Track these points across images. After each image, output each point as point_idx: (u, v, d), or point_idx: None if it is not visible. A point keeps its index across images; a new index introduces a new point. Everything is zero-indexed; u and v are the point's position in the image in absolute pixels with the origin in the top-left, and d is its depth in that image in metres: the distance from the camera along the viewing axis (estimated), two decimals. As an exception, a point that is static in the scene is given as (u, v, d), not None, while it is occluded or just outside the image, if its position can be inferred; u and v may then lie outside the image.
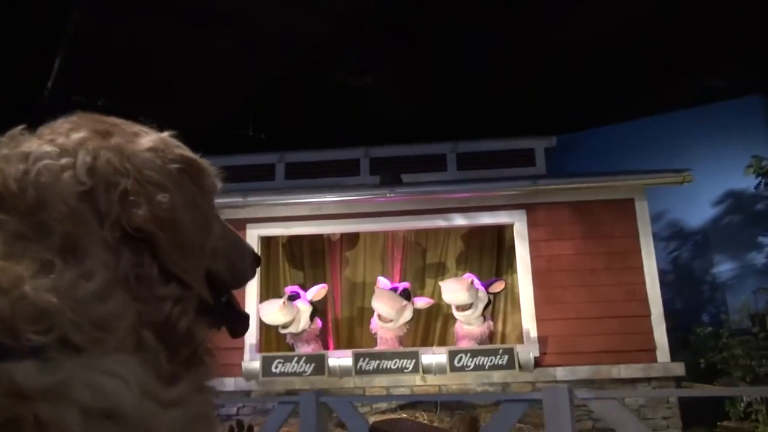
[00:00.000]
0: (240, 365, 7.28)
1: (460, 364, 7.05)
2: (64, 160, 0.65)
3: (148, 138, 0.73)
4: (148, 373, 0.59)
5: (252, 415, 7.25)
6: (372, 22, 7.66)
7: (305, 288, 8.46)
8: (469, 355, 7.07)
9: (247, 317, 0.84)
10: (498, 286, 7.87)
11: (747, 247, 8.49)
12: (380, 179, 8.22)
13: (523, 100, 10.08)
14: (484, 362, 7.04)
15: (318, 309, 8.40)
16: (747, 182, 8.57)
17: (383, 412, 7.05)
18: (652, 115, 9.77)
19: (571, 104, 10.03)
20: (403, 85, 9.43)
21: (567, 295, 7.61)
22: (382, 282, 7.93)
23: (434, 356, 7.21)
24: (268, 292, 8.53)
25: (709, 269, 9.05)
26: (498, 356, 7.04)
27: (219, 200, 0.84)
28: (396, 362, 7.13)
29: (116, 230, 0.63)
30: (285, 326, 7.75)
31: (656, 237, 9.46)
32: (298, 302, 7.93)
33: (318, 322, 8.23)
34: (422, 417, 6.39)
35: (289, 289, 8.28)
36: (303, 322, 7.84)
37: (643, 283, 7.56)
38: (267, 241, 8.87)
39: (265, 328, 8.05)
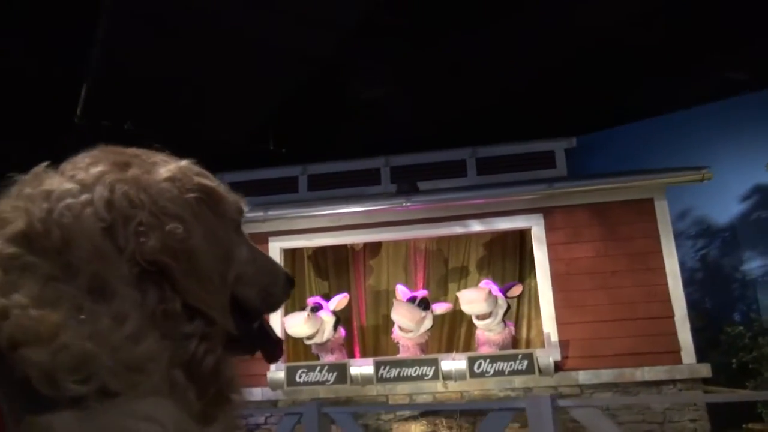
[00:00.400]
0: (266, 375, 7.49)
1: (480, 370, 7.09)
2: (84, 197, 0.65)
3: (166, 168, 0.72)
4: (183, 415, 0.59)
5: (279, 425, 7.45)
6: (382, 34, 7.79)
7: (329, 298, 8.64)
8: (488, 361, 7.11)
9: (280, 342, 0.84)
10: (516, 291, 7.88)
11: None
12: (397, 188, 8.34)
13: (542, 102, 10.04)
14: (504, 368, 7.07)
15: (341, 318, 8.58)
16: (775, 176, 8.36)
17: (407, 419, 7.16)
18: (674, 111, 9.60)
19: (590, 104, 9.95)
20: (418, 94, 9.53)
21: (588, 298, 7.57)
22: (401, 291, 8.04)
23: (454, 363, 7.28)
24: (294, 303, 8.73)
25: (738, 266, 8.84)
26: (517, 361, 7.06)
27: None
28: (416, 369, 7.22)
29: (135, 265, 0.63)
30: (310, 338, 7.93)
31: (683, 235, 9.33)
32: (321, 313, 8.10)
33: (341, 331, 8.40)
34: (441, 424, 6.47)
35: (311, 300, 8.46)
36: (327, 332, 8.02)
37: (666, 283, 7.46)
38: (291, 253, 9.10)
39: (291, 338, 8.26)
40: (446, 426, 6.46)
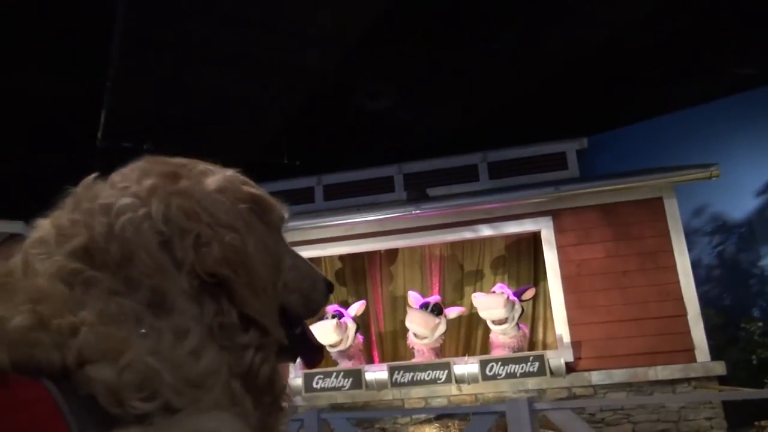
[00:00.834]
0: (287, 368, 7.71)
1: (492, 372, 7.20)
2: (142, 211, 0.65)
3: (215, 178, 0.73)
4: (244, 427, 0.59)
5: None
6: (388, 45, 7.97)
7: (347, 305, 8.84)
8: (500, 363, 7.21)
9: (321, 348, 0.84)
10: (529, 294, 7.96)
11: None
12: (407, 196, 8.50)
13: (552, 104, 10.09)
14: (516, 370, 7.16)
15: (360, 324, 8.78)
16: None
17: (422, 422, 7.30)
18: (686, 108, 9.55)
19: (600, 103, 9.96)
20: (427, 102, 9.68)
21: (599, 299, 7.61)
22: (414, 297, 8.19)
23: (467, 366, 7.40)
24: (313, 310, 8.95)
25: (756, 262, 8.75)
26: (529, 363, 7.14)
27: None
28: (429, 373, 7.36)
29: (194, 278, 0.63)
30: (335, 345, 8.12)
31: (699, 232, 9.27)
32: (344, 320, 8.31)
33: (359, 337, 8.59)
34: (454, 426, 6.59)
35: (331, 309, 8.65)
36: (350, 338, 8.23)
37: (678, 282, 7.46)
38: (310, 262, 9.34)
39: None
40: (458, 428, 6.58)
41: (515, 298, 7.76)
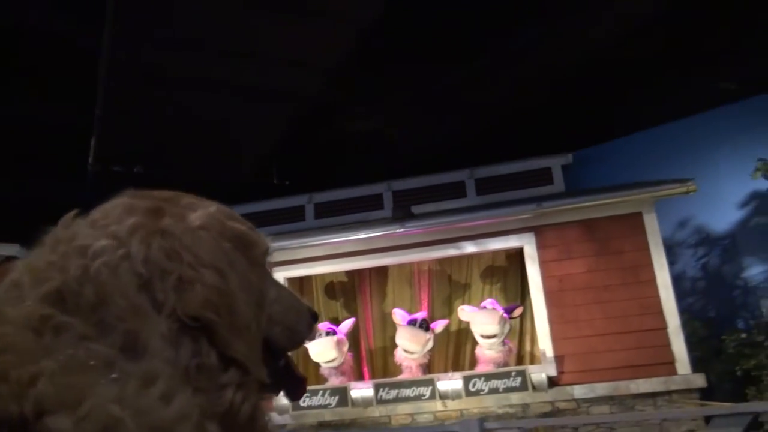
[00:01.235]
0: (272, 400, 7.84)
1: (475, 388, 7.31)
2: (120, 252, 0.64)
3: (198, 214, 0.72)
4: None
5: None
6: (371, 66, 8.17)
7: (338, 322, 8.99)
8: (483, 379, 7.33)
9: (304, 380, 0.84)
10: (518, 312, 8.10)
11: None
12: (393, 214, 8.66)
13: (537, 120, 10.26)
14: (498, 385, 7.27)
15: (350, 341, 8.92)
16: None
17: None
18: (669, 122, 9.68)
19: (585, 119, 10.12)
20: (413, 120, 9.86)
21: (581, 313, 7.72)
22: (399, 314, 8.32)
23: (451, 382, 7.51)
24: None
25: (739, 274, 8.83)
26: (511, 378, 7.25)
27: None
28: (414, 390, 7.48)
29: (174, 320, 0.62)
30: (332, 361, 8.27)
31: (684, 244, 9.37)
32: (340, 337, 8.47)
33: (348, 354, 8.72)
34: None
35: (324, 326, 8.79)
36: (343, 355, 8.40)
37: (658, 296, 7.57)
38: (300, 281, 9.51)
39: (297, 362, 8.61)
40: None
41: (506, 315, 7.89)
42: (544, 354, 7.66)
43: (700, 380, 7.19)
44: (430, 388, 7.46)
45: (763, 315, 8.27)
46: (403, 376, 8.04)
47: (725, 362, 7.90)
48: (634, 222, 7.82)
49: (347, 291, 9.76)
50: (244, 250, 0.73)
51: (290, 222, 10.06)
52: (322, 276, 9.61)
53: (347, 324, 8.73)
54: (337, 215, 9.91)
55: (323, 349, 8.20)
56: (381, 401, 7.56)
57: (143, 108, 8.03)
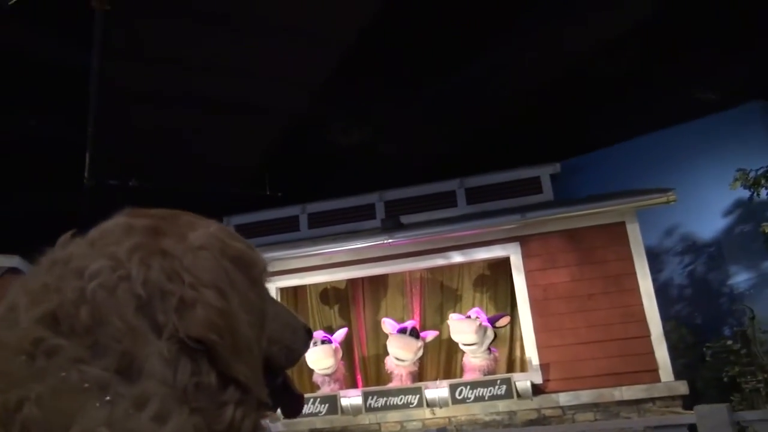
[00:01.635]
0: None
1: (462, 396, 7.46)
2: (118, 273, 0.64)
3: (198, 234, 0.71)
4: None
5: (281, 454, 7.97)
6: (355, 83, 8.36)
7: (332, 330, 9.16)
8: (469, 387, 7.47)
9: (301, 397, 0.84)
10: (503, 322, 8.22)
11: (762, 255, 8.36)
12: (381, 225, 8.83)
13: (526, 130, 10.42)
14: (484, 393, 7.41)
15: (342, 349, 9.09)
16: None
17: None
18: (656, 131, 9.83)
19: (572, 129, 10.27)
20: (403, 133, 10.05)
21: (566, 322, 7.86)
22: (389, 323, 8.48)
23: (438, 390, 7.66)
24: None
25: (725, 281, 8.94)
26: (496, 387, 7.40)
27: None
28: (402, 398, 7.64)
29: (174, 342, 0.62)
30: (327, 369, 8.43)
31: (671, 252, 9.50)
32: (335, 345, 8.65)
33: (341, 362, 8.89)
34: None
35: (319, 335, 8.95)
36: (337, 362, 8.58)
37: (641, 304, 7.69)
38: (294, 290, 9.69)
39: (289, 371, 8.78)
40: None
41: (488, 324, 8.02)
42: (530, 362, 7.81)
43: (682, 387, 7.31)
44: (418, 396, 7.61)
45: (747, 324, 8.38)
46: (393, 384, 8.19)
47: (710, 369, 8.01)
48: (617, 231, 7.96)
49: (341, 298, 9.93)
50: (245, 269, 0.73)
51: (285, 232, 10.25)
52: (316, 284, 9.79)
53: (341, 333, 8.91)
54: (331, 225, 10.08)
55: (320, 358, 8.36)
56: (370, 409, 7.72)
57: (135, 125, 8.24)
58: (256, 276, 0.75)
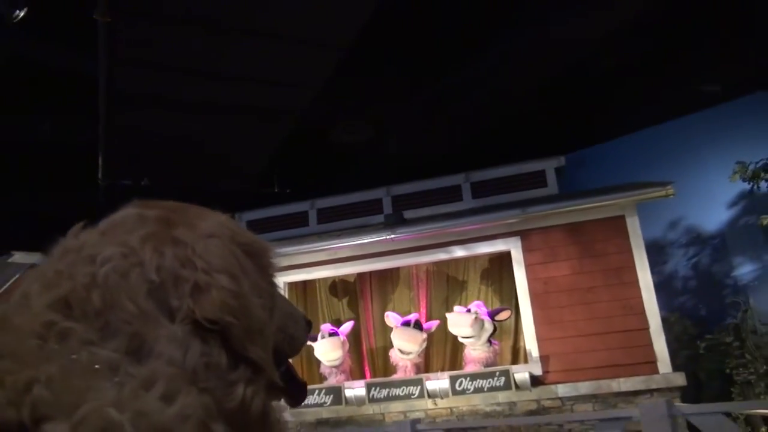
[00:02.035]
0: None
1: (461, 387, 7.64)
2: (130, 260, 0.65)
3: (208, 223, 0.73)
4: None
5: (289, 443, 8.26)
6: (358, 82, 8.53)
7: (340, 322, 9.41)
8: (468, 378, 7.65)
9: (305, 385, 0.85)
10: (503, 315, 8.35)
11: (766, 248, 8.35)
12: (385, 220, 9.01)
13: (531, 124, 10.49)
14: (483, 385, 7.59)
15: (352, 341, 9.36)
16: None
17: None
18: (660, 123, 9.83)
19: (576, 122, 10.31)
20: (408, 129, 10.19)
21: (566, 314, 7.98)
22: (393, 317, 8.68)
23: (439, 381, 7.86)
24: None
25: (729, 273, 8.95)
26: (495, 378, 7.56)
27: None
28: (403, 389, 7.85)
29: (186, 324, 0.63)
30: (334, 361, 8.69)
31: (675, 244, 9.53)
32: (342, 337, 8.90)
33: (347, 354, 9.14)
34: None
35: (326, 328, 9.21)
36: (344, 354, 8.84)
37: (640, 296, 7.77)
38: (304, 284, 9.96)
39: (297, 362, 9.06)
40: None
41: (487, 317, 8.18)
42: (530, 354, 7.95)
43: (680, 379, 7.39)
44: (419, 387, 7.82)
45: (754, 314, 8.39)
46: (397, 376, 8.41)
47: (711, 361, 8.06)
48: (617, 225, 8.03)
49: (350, 292, 10.16)
50: (254, 257, 0.75)
51: (295, 227, 10.52)
52: (325, 279, 10.04)
53: (348, 326, 9.14)
54: (339, 220, 10.31)
55: (328, 350, 8.62)
56: (373, 400, 7.96)
57: (144, 128, 8.53)
58: (265, 264, 0.78)
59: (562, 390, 7.67)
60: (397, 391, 7.87)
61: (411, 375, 8.30)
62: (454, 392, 7.66)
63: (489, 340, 8.17)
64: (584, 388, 7.62)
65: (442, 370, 8.89)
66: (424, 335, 8.55)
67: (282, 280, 9.11)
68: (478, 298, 9.16)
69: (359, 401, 8.08)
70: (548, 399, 7.70)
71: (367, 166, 10.51)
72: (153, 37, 6.94)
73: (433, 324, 8.72)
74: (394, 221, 8.84)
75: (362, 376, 9.34)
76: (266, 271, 0.78)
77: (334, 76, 8.13)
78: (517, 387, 7.57)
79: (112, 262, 0.64)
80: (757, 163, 7.68)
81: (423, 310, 9.59)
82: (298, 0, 6.28)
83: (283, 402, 0.85)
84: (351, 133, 9.41)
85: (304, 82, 7.82)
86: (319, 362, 8.84)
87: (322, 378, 8.92)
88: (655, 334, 7.62)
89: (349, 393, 8.15)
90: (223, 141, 9.07)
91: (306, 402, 8.01)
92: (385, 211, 10.24)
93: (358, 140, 9.64)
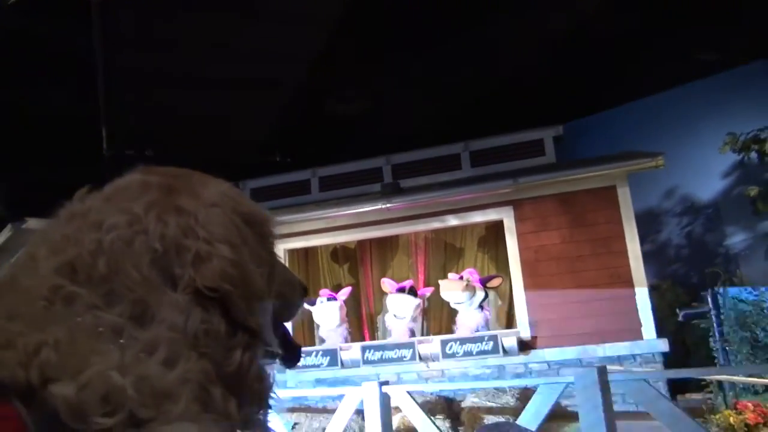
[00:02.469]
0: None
1: (451, 351, 7.96)
2: (135, 227, 0.66)
3: (210, 192, 0.74)
4: None
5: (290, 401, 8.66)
6: (355, 53, 8.64)
7: (340, 287, 9.73)
8: (458, 342, 7.96)
9: (299, 348, 0.88)
10: (495, 282, 8.60)
11: (758, 217, 8.41)
12: (381, 189, 9.22)
13: (530, 93, 10.52)
14: (472, 349, 7.89)
15: (353, 306, 9.71)
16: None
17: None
18: (657, 93, 9.81)
19: (575, 91, 10.32)
20: (405, 99, 10.29)
21: (555, 282, 8.20)
22: (388, 283, 8.96)
23: (430, 345, 8.17)
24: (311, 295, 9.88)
25: (722, 242, 9.05)
26: (484, 342, 7.86)
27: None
28: (396, 352, 8.19)
29: (189, 291, 0.64)
30: (332, 324, 9.03)
31: (669, 213, 9.62)
32: (339, 303, 9.23)
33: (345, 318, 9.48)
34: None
35: (325, 293, 9.53)
36: (343, 319, 9.19)
37: (628, 266, 7.95)
38: (305, 251, 10.26)
39: (298, 325, 9.45)
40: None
41: (479, 284, 8.43)
42: (519, 319, 8.21)
43: (662, 345, 7.62)
44: (411, 350, 8.15)
45: (743, 282, 8.53)
46: (391, 340, 8.74)
47: (697, 329, 8.25)
48: (608, 195, 8.16)
49: (350, 258, 10.45)
50: (254, 226, 0.76)
51: (297, 195, 10.77)
52: (327, 245, 10.32)
53: (345, 291, 9.46)
54: (340, 188, 10.53)
55: (327, 314, 8.96)
56: (367, 362, 8.31)
57: (147, 101, 8.77)
58: (265, 233, 0.79)
59: (550, 354, 7.95)
60: (390, 354, 8.21)
61: (405, 339, 8.63)
62: (445, 356, 7.98)
63: (480, 306, 8.44)
64: (570, 352, 7.88)
65: (439, 333, 9.20)
66: (418, 301, 8.83)
67: (283, 247, 9.41)
68: (474, 266, 9.40)
69: (354, 363, 8.45)
70: (536, 363, 7.99)
71: (367, 137, 10.67)
72: (152, 16, 7.13)
73: (428, 290, 9.00)
74: (390, 190, 9.05)
75: (362, 339, 9.70)
76: (266, 240, 0.80)
77: (331, 46, 8.27)
78: (505, 351, 7.85)
79: (118, 230, 0.66)
80: (748, 134, 7.71)
81: (421, 277, 9.87)
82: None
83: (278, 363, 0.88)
84: (350, 104, 9.56)
85: (298, 54, 7.97)
86: (317, 326, 9.20)
87: (320, 341, 9.29)
88: (641, 302, 7.81)
89: (345, 355, 8.51)
90: (225, 113, 9.29)
91: (304, 363, 8.38)
92: (385, 179, 10.43)
93: (357, 111, 9.78)
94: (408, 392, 3.99)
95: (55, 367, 0.56)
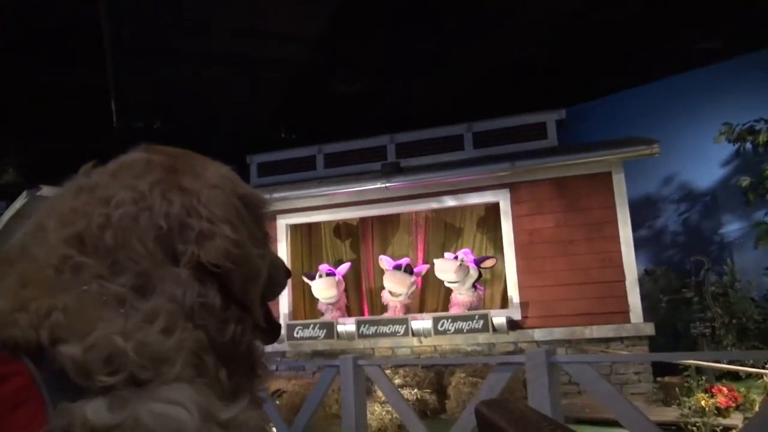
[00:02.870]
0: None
1: (443, 328, 8.22)
2: (140, 204, 0.70)
3: (211, 173, 0.78)
4: (209, 397, 0.62)
5: (287, 371, 9.02)
6: (360, 33, 8.77)
7: (341, 263, 10.01)
8: (450, 320, 8.21)
9: (279, 326, 0.91)
10: (489, 263, 8.80)
11: (754, 206, 8.48)
12: (381, 169, 9.41)
13: (532, 76, 10.58)
14: (463, 326, 8.14)
15: (353, 282, 9.99)
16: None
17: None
18: (658, 80, 9.82)
19: (579, 75, 10.36)
20: (413, 79, 10.40)
21: (547, 265, 8.39)
22: (386, 260, 9.20)
23: (423, 322, 8.44)
24: (311, 269, 10.17)
25: (717, 229, 9.13)
26: (474, 321, 8.10)
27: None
28: (390, 327, 8.47)
29: (189, 267, 0.68)
30: (330, 298, 9.33)
31: (667, 200, 9.71)
32: (339, 278, 9.51)
33: (343, 292, 9.76)
34: (404, 371, 7.69)
35: (324, 268, 9.82)
36: (340, 293, 9.47)
37: (619, 251, 8.11)
38: (309, 226, 10.52)
39: (299, 298, 9.77)
40: (411, 373, 7.65)
41: (473, 264, 8.64)
42: (511, 299, 8.44)
43: (648, 329, 7.80)
44: (405, 326, 8.42)
45: (735, 270, 8.65)
46: (387, 315, 9.02)
47: (686, 313, 8.41)
48: (603, 181, 8.28)
49: (352, 234, 10.70)
50: (251, 207, 0.80)
51: (303, 171, 11.00)
52: (329, 221, 10.57)
53: (344, 267, 9.73)
54: (345, 165, 10.74)
55: (325, 288, 9.26)
56: (362, 335, 8.61)
57: (156, 77, 9.00)
58: (261, 215, 0.83)
59: (539, 334, 8.18)
60: (384, 329, 8.49)
61: (400, 315, 8.90)
62: (436, 332, 8.24)
63: (474, 285, 8.66)
64: (559, 333, 8.11)
65: (436, 311, 9.46)
66: (413, 279, 9.07)
67: (286, 222, 9.69)
68: (473, 246, 9.60)
69: (349, 336, 8.76)
70: (525, 342, 8.23)
71: (371, 116, 10.83)
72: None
73: (423, 268, 9.24)
74: (390, 170, 9.24)
75: (361, 314, 10.00)
76: (261, 222, 0.83)
77: (335, 26, 8.40)
78: (495, 330, 8.09)
79: (125, 206, 0.69)
80: (744, 124, 7.75)
81: (420, 255, 10.09)
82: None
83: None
84: (357, 83, 9.71)
85: (301, 34, 8.12)
86: (317, 300, 9.49)
87: (319, 314, 9.59)
88: (630, 286, 7.98)
89: (341, 328, 8.82)
90: (232, 90, 9.50)
91: (302, 335, 8.70)
92: (389, 158, 10.61)
93: (364, 90, 9.94)
94: (380, 366, 4.23)
95: (64, 329, 0.60)
